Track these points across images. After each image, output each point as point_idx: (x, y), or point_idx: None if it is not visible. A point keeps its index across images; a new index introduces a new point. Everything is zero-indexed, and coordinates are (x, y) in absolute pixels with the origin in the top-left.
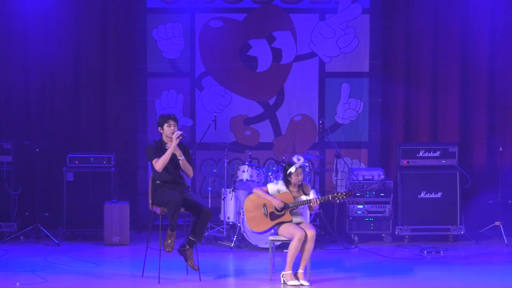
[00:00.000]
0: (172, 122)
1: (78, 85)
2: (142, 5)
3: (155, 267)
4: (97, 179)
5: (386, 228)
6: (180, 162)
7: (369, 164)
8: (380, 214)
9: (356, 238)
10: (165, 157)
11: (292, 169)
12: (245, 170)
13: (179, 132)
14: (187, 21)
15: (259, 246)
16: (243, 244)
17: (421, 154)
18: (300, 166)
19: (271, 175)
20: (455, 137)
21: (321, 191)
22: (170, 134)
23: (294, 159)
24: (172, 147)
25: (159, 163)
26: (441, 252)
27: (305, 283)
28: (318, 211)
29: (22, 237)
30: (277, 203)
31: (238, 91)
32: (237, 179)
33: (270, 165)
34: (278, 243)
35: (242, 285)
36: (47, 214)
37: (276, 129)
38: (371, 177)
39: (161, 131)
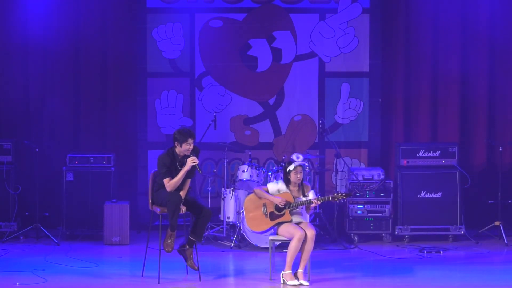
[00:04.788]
0: (191, 141)
1: (78, 85)
2: (142, 5)
3: (155, 267)
4: (97, 179)
5: (386, 228)
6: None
7: (369, 164)
8: (380, 214)
9: (356, 238)
10: (177, 181)
11: (291, 167)
12: (245, 170)
13: (196, 162)
14: (187, 21)
15: (259, 246)
16: (243, 244)
17: (421, 154)
18: (299, 165)
19: (271, 175)
20: (455, 137)
21: (321, 191)
22: (187, 151)
23: (294, 157)
24: (184, 171)
25: (171, 186)
26: (441, 252)
27: (305, 283)
28: (318, 211)
29: (22, 237)
30: (279, 201)
31: (238, 91)
32: (237, 179)
33: (270, 165)
34: (278, 243)
35: (242, 285)
36: (47, 214)
37: (276, 129)
38: (371, 177)
39: (177, 146)
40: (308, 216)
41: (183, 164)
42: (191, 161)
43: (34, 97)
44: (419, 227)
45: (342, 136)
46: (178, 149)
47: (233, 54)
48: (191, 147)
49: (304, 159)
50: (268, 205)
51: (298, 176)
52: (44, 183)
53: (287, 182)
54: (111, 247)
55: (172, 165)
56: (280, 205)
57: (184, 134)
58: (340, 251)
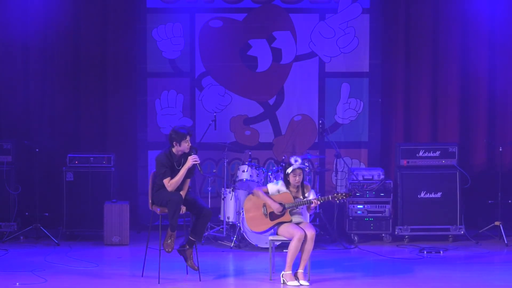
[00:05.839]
0: (188, 138)
1: (78, 85)
2: (142, 5)
3: (155, 267)
4: (97, 179)
5: (386, 228)
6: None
7: (369, 164)
8: (380, 214)
9: (356, 238)
10: (178, 180)
11: (289, 170)
12: (245, 170)
13: (198, 161)
14: (187, 21)
15: (259, 246)
16: (243, 244)
17: (421, 154)
18: (298, 168)
19: (271, 175)
20: (455, 137)
21: (321, 191)
22: (186, 149)
23: (292, 160)
24: (185, 168)
25: (172, 185)
26: (441, 252)
27: (305, 283)
28: (318, 211)
29: (22, 237)
30: (276, 208)
31: (238, 91)
32: (237, 179)
33: (270, 165)
34: (278, 243)
35: (242, 285)
36: (47, 214)
37: (276, 129)
38: (371, 177)
39: (176, 145)
40: (308, 216)
41: (180, 164)
42: (192, 159)
43: (34, 97)
44: (419, 227)
45: (342, 136)
46: (176, 148)
47: (233, 54)
48: (189, 144)
49: (304, 160)
50: (268, 205)
51: (297, 178)
52: (44, 183)
53: (287, 182)
54: (111, 247)
55: (170, 165)
56: (276, 212)
57: (181, 132)
58: (340, 251)
